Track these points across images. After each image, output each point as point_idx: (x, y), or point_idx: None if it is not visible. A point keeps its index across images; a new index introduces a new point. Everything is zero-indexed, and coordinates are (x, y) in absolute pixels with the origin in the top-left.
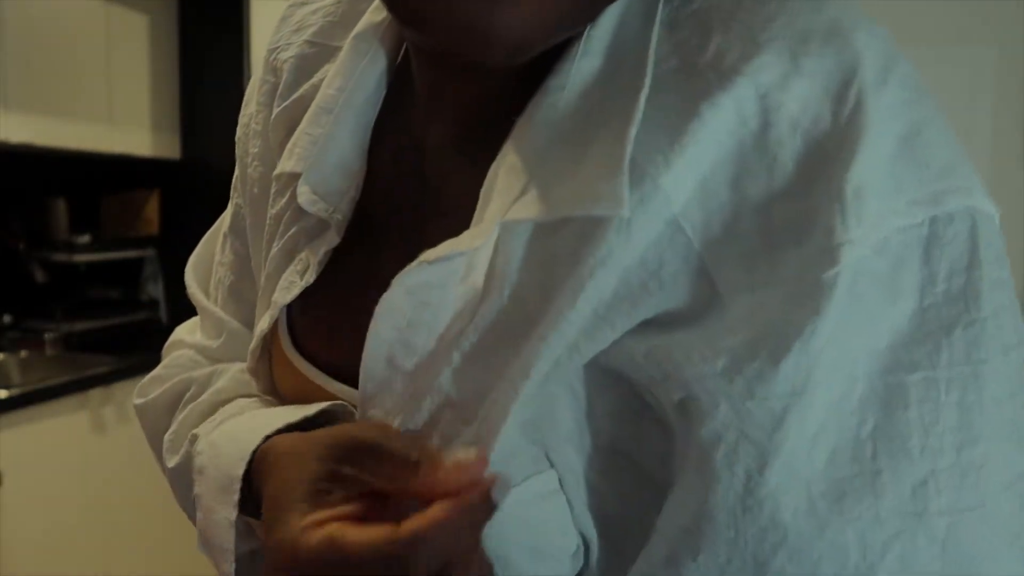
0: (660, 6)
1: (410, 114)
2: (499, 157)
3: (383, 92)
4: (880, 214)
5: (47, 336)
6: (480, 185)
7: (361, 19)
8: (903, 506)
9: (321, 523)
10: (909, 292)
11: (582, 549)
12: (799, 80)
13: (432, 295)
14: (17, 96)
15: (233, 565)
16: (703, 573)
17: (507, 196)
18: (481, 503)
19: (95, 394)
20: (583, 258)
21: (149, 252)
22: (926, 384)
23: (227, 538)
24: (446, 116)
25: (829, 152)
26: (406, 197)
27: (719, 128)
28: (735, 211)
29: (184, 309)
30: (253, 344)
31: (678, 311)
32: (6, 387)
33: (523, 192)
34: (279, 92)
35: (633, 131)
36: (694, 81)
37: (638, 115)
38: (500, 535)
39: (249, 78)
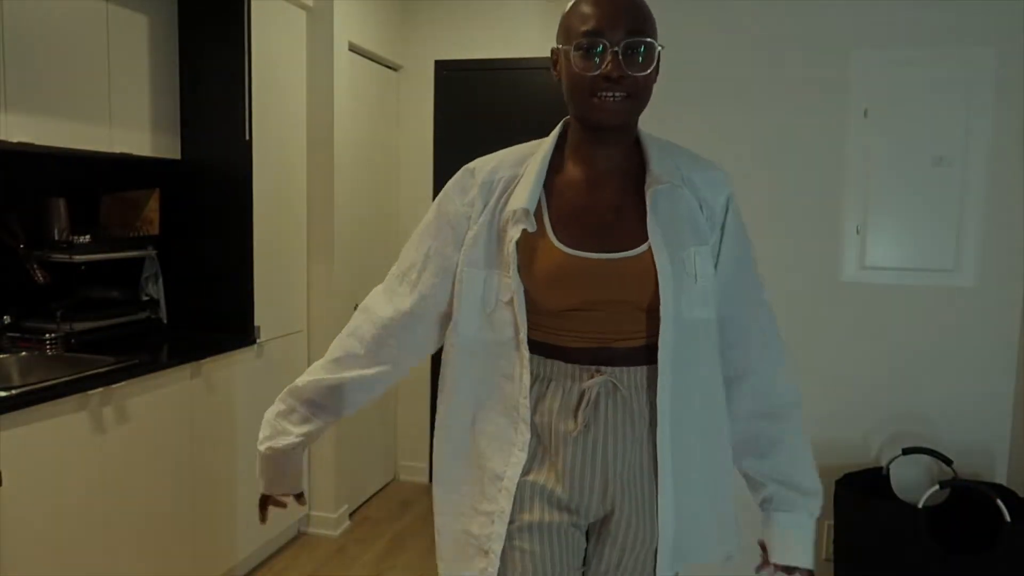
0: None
1: (564, 168)
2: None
3: (545, 172)
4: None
5: (47, 336)
6: (614, 198)
7: (533, 156)
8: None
9: None
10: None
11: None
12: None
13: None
14: (17, 96)
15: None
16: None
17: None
18: None
19: (95, 394)
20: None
21: (149, 252)
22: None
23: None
24: (597, 163)
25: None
26: (582, 194)
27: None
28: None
29: (184, 309)
30: (510, 246)
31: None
32: (6, 387)
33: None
34: (492, 190)
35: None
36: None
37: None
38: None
39: (249, 78)
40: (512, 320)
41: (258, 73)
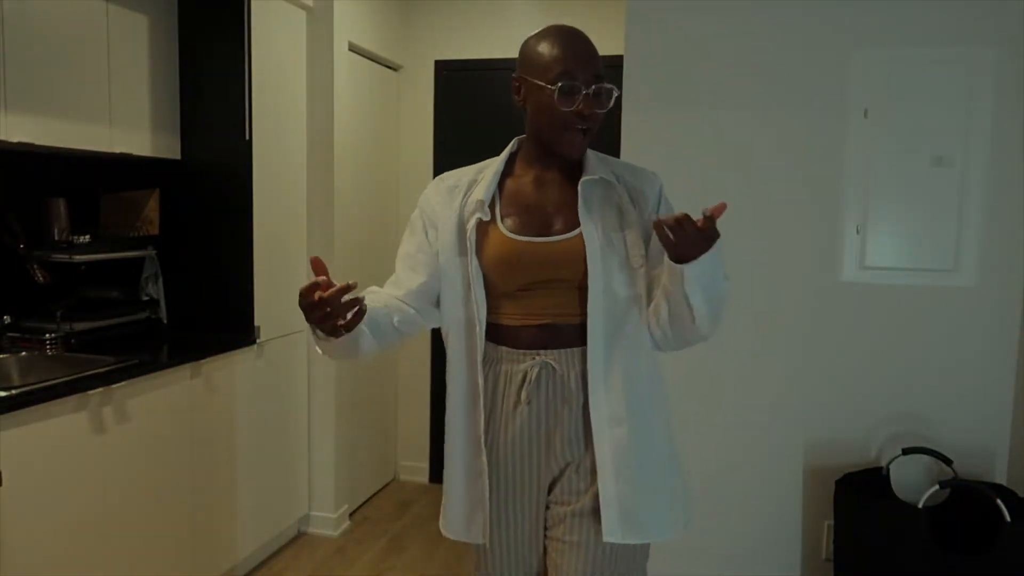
0: (598, 160)
1: (515, 174)
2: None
3: (499, 175)
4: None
5: (47, 336)
6: (558, 196)
7: (491, 166)
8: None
9: None
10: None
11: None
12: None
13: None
14: (17, 96)
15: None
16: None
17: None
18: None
19: (95, 394)
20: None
21: (149, 252)
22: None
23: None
24: (545, 170)
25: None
26: (530, 194)
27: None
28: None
29: (184, 309)
30: (470, 233)
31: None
32: (6, 387)
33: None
34: (457, 193)
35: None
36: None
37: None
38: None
39: (249, 78)
40: (475, 298)
41: (258, 73)
